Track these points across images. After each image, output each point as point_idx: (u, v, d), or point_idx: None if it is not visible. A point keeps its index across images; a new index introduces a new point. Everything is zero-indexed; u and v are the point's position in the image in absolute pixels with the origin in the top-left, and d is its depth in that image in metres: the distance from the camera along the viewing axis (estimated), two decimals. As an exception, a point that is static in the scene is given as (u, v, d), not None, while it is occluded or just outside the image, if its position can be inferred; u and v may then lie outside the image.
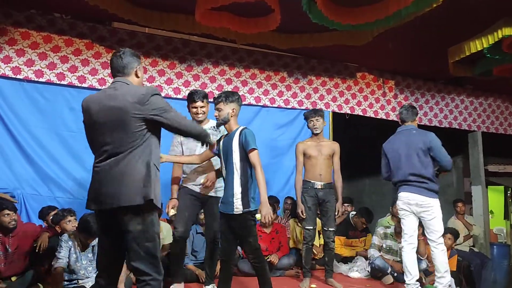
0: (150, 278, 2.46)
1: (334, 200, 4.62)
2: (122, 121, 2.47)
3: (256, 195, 3.38)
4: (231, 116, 3.45)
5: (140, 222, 2.45)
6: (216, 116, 3.48)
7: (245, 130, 3.42)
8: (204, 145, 3.34)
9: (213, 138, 3.67)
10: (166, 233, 4.44)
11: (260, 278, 3.43)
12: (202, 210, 4.18)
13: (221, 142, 3.54)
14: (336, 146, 4.72)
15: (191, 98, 3.86)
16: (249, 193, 3.34)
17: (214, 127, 3.84)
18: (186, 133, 2.80)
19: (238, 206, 3.30)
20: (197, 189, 3.86)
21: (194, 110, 3.86)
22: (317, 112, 4.67)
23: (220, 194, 3.84)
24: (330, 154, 4.64)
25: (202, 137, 2.95)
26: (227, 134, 3.53)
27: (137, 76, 2.70)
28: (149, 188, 2.46)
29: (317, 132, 4.64)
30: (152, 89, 2.57)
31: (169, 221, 4.67)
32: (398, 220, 4.93)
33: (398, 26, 4.61)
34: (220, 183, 3.88)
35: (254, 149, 3.34)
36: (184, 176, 3.96)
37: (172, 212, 3.64)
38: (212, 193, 3.89)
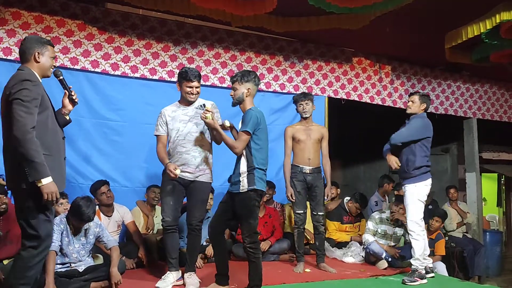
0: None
1: (323, 185, 4.64)
2: (5, 107, 2.67)
3: (261, 175, 3.44)
4: (246, 96, 3.45)
5: (17, 203, 2.74)
6: (231, 95, 3.50)
7: (248, 110, 3.42)
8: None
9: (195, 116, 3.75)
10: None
11: (251, 265, 3.42)
12: None
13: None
14: (324, 131, 4.72)
15: (187, 77, 3.71)
16: (255, 171, 3.36)
17: (200, 106, 3.79)
18: (17, 133, 2.53)
19: (243, 184, 3.34)
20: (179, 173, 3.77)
21: (189, 89, 3.74)
22: (306, 96, 4.65)
23: (202, 178, 3.80)
24: (318, 139, 4.64)
25: (31, 170, 2.56)
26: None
27: (36, 60, 2.78)
28: (21, 176, 2.59)
29: (306, 116, 4.63)
30: (25, 74, 2.66)
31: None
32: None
33: (396, 10, 4.56)
34: (203, 166, 3.81)
35: (246, 132, 3.33)
36: (168, 157, 3.85)
37: (178, 171, 3.58)
38: (194, 178, 3.78)
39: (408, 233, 4.45)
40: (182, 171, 3.73)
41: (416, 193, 4.37)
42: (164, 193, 3.82)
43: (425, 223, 5.46)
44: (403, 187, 4.52)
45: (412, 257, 4.35)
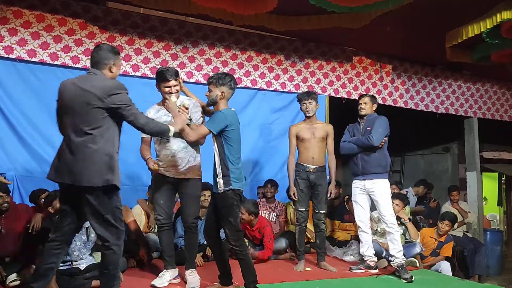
0: (110, 243, 2.84)
1: (326, 183, 4.65)
2: (89, 108, 2.78)
3: (238, 175, 3.46)
4: (220, 99, 3.49)
5: (98, 199, 2.78)
6: (206, 95, 3.55)
7: (218, 112, 3.47)
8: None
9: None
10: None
11: (241, 263, 3.47)
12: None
13: None
14: (329, 128, 4.72)
15: (163, 76, 3.67)
16: (230, 172, 3.42)
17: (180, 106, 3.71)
18: (146, 131, 3.08)
19: (220, 185, 3.42)
20: (167, 173, 3.75)
21: (167, 89, 3.67)
22: (310, 95, 4.65)
23: (191, 175, 3.77)
24: (323, 137, 4.64)
25: (163, 134, 3.24)
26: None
27: (110, 71, 2.98)
28: (109, 172, 2.78)
29: (309, 114, 4.64)
30: (120, 84, 2.89)
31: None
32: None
33: (396, 9, 4.57)
34: (191, 164, 3.77)
35: (207, 128, 3.38)
36: (156, 159, 3.82)
37: (156, 166, 3.63)
38: (183, 176, 3.76)
39: (388, 228, 4.48)
40: (169, 171, 3.73)
41: (387, 188, 4.54)
42: (154, 193, 3.85)
43: (435, 225, 5.52)
44: (370, 183, 4.53)
45: (396, 251, 4.38)
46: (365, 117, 4.67)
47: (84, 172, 2.73)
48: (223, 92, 3.47)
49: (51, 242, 2.92)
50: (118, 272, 2.95)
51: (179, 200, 4.05)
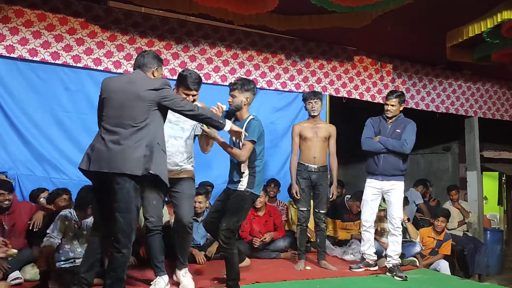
0: (120, 246, 2.86)
1: (327, 183, 4.66)
2: (137, 101, 2.91)
3: (260, 179, 3.54)
4: (244, 105, 3.52)
5: (129, 189, 2.83)
6: (229, 102, 3.54)
7: (252, 120, 3.49)
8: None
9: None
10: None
11: (226, 262, 3.48)
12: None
13: None
14: (332, 129, 4.73)
15: (186, 83, 3.48)
16: (256, 175, 3.49)
17: None
18: (190, 115, 3.09)
19: (243, 184, 3.48)
20: None
21: (185, 96, 3.47)
22: (316, 94, 4.68)
23: (186, 174, 3.67)
24: (326, 137, 4.65)
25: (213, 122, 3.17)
26: (235, 120, 3.59)
27: (153, 75, 3.16)
28: (148, 161, 2.86)
29: (314, 114, 4.65)
30: (166, 81, 3.07)
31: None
32: None
33: (397, 8, 4.57)
34: (186, 165, 3.67)
35: (253, 141, 3.42)
36: None
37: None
38: (177, 176, 3.60)
39: (393, 231, 4.45)
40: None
41: (403, 191, 4.51)
42: (147, 192, 3.45)
43: (431, 225, 5.54)
44: (389, 185, 4.43)
45: (395, 253, 4.40)
46: (393, 117, 4.52)
47: (126, 160, 2.82)
48: (247, 98, 3.51)
49: (104, 239, 3.01)
50: (124, 275, 2.95)
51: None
